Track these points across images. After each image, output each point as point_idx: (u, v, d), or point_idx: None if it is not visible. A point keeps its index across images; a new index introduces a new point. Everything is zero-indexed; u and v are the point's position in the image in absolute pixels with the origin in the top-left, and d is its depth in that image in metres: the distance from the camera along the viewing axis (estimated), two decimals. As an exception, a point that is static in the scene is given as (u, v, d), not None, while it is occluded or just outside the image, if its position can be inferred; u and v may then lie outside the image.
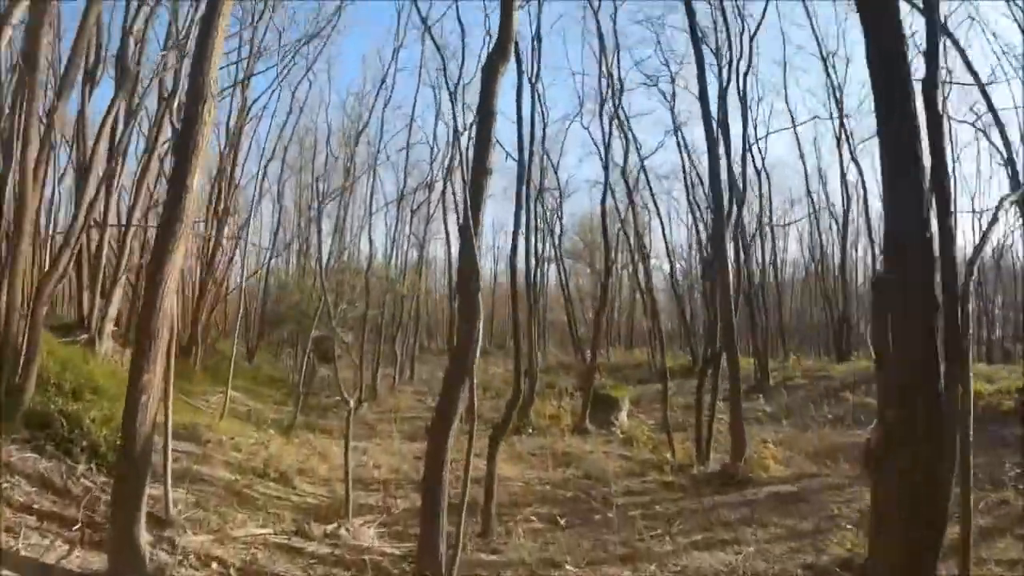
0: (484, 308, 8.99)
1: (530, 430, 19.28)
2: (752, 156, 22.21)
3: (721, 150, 17.61)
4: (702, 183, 28.98)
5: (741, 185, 20.08)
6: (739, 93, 22.55)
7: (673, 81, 28.88)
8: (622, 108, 24.84)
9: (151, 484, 9.36)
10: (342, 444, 11.81)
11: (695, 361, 29.23)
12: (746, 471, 13.98)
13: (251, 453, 13.81)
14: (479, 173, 9.16)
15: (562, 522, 11.57)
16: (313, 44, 28.63)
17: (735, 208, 18.68)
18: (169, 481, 9.17)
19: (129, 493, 7.07)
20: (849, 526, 10.82)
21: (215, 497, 10.66)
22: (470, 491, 8.68)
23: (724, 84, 19.74)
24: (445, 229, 29.67)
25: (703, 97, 17.06)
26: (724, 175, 17.47)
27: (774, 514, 11.81)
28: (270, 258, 34.94)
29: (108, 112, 13.85)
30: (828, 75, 29.66)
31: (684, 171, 31.40)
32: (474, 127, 10.36)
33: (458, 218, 27.64)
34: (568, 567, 9.55)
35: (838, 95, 29.79)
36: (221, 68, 24.37)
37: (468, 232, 8.86)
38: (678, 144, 30.07)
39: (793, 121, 31.07)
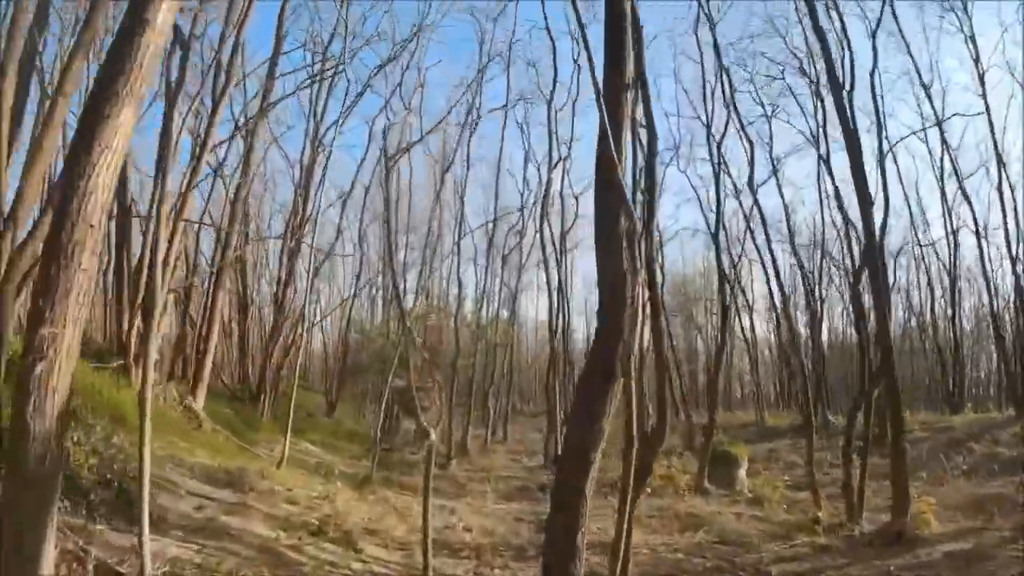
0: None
1: (647, 490, 16.19)
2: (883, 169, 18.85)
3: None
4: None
5: (883, 195, 16.84)
6: (871, 91, 19.04)
7: (770, 118, 26.42)
8: (744, 130, 22.20)
9: (127, 531, 6.94)
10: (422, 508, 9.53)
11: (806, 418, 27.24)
12: (911, 529, 12.03)
13: (309, 507, 11.56)
14: (616, 87, 6.97)
15: (712, 599, 9.38)
16: (391, 73, 25.63)
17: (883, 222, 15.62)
18: (146, 525, 6.03)
19: (25, 522, 4.18)
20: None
21: (236, 558, 7.94)
22: (587, 561, 6.71)
23: (850, 86, 16.58)
24: (545, 266, 26.64)
25: (836, 93, 15.03)
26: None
27: (963, 577, 9.96)
28: (353, 297, 32.59)
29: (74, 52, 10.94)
30: (931, 106, 25.83)
31: (786, 212, 29.07)
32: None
33: (556, 252, 26.15)
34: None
35: (940, 128, 26.27)
36: (284, 74, 23.06)
37: (609, 151, 5.95)
38: (778, 185, 27.78)
39: (893, 156, 26.87)
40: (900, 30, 22.45)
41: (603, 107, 6.58)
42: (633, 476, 7.60)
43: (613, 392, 6.18)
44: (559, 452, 20.83)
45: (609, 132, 6.35)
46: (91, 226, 4.23)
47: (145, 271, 14.15)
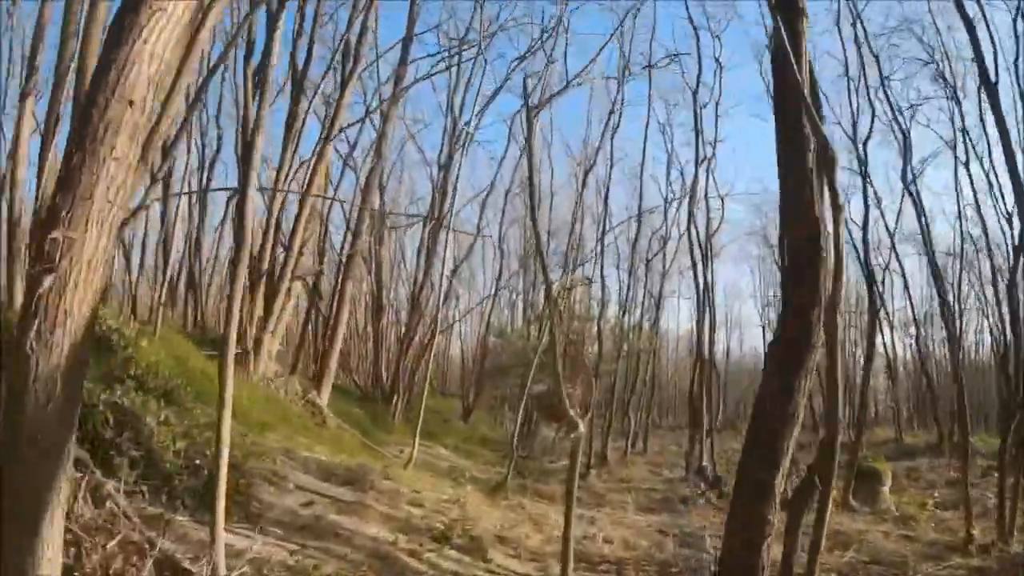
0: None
1: (791, 505, 14.87)
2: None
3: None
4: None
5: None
6: (1016, 79, 17.16)
7: (907, 121, 24.06)
8: (896, 119, 20.98)
9: (204, 526, 5.94)
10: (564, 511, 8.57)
11: (941, 437, 26.87)
12: (1066, 550, 11.97)
13: (436, 511, 10.75)
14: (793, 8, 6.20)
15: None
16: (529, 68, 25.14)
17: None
18: (221, 516, 5.09)
19: (23, 496, 3.17)
20: None
21: (339, 561, 7.04)
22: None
23: (995, 77, 15.30)
24: (692, 266, 25.41)
25: (985, 80, 14.34)
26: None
27: None
28: (494, 296, 32.23)
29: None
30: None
31: (926, 221, 26.26)
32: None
33: (703, 255, 24.93)
34: None
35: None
36: (417, 60, 22.35)
37: (791, 72, 5.04)
38: (916, 193, 25.62)
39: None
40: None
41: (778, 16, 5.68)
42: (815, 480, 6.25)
43: (810, 365, 4.86)
44: (702, 463, 19.72)
45: (788, 45, 5.20)
46: (131, 103, 3.22)
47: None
